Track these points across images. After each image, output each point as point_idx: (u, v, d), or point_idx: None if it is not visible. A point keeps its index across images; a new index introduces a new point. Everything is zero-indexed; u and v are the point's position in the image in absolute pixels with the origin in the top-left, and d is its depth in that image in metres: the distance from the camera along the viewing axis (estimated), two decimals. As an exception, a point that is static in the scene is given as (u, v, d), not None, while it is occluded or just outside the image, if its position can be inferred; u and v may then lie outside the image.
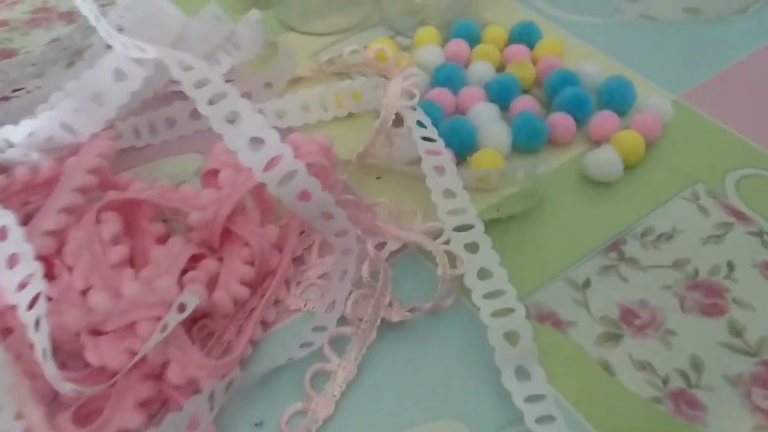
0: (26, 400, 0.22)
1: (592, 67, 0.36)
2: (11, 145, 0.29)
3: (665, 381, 0.25)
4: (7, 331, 0.24)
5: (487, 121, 0.33)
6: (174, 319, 0.23)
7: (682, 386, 0.25)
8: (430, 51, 0.38)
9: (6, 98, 0.36)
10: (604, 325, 0.27)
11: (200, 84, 0.26)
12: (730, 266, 0.29)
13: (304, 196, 0.26)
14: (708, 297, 0.28)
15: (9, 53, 0.41)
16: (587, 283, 0.28)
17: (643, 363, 0.26)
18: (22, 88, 0.37)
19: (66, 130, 0.29)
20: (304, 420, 0.24)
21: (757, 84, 0.37)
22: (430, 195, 0.29)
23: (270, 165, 0.26)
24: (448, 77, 0.36)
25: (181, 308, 0.23)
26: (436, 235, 0.28)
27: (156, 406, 0.24)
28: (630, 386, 0.25)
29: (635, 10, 0.43)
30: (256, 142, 0.26)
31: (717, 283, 0.28)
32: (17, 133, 0.29)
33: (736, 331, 0.26)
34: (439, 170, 0.30)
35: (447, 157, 0.30)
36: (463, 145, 0.33)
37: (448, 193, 0.29)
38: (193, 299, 0.23)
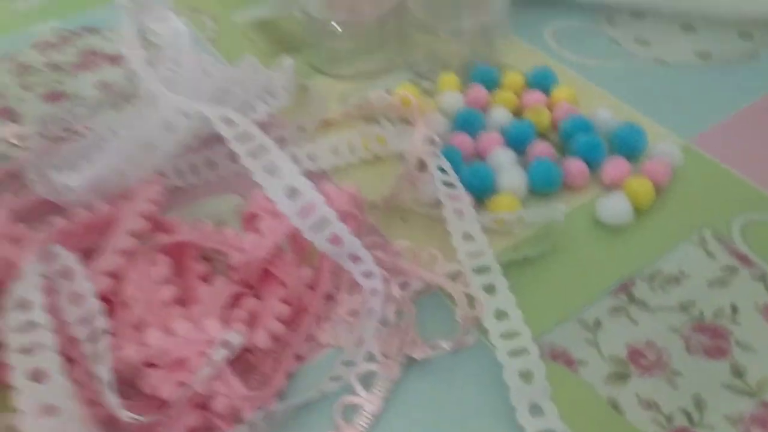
0: (88, 426, 0.25)
1: (606, 113, 0.38)
2: (69, 189, 0.32)
3: (669, 419, 0.27)
4: (69, 362, 0.27)
5: (505, 166, 0.36)
6: (220, 355, 0.25)
7: (686, 425, 0.27)
8: (451, 97, 0.40)
9: (58, 138, 0.40)
10: (613, 365, 0.29)
11: (242, 138, 0.29)
12: (734, 309, 0.30)
13: (335, 240, 0.29)
14: (712, 339, 0.29)
15: (59, 95, 0.44)
16: (598, 324, 0.30)
17: (649, 401, 0.27)
18: (73, 129, 0.40)
19: (119, 176, 0.32)
20: (334, 449, 0.26)
21: (766, 129, 0.39)
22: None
23: (305, 212, 0.29)
24: (467, 122, 0.38)
25: (225, 345, 0.25)
26: (456, 276, 0.31)
27: (202, 434, 0.26)
28: (636, 424, 0.27)
29: (648, 53, 0.45)
30: (293, 191, 0.28)
31: (721, 326, 0.30)
32: (76, 178, 0.31)
33: (738, 372, 0.28)
34: (459, 214, 0.32)
35: (466, 202, 0.33)
36: (482, 189, 0.35)
37: (467, 237, 0.31)
38: (236, 337, 0.25)
